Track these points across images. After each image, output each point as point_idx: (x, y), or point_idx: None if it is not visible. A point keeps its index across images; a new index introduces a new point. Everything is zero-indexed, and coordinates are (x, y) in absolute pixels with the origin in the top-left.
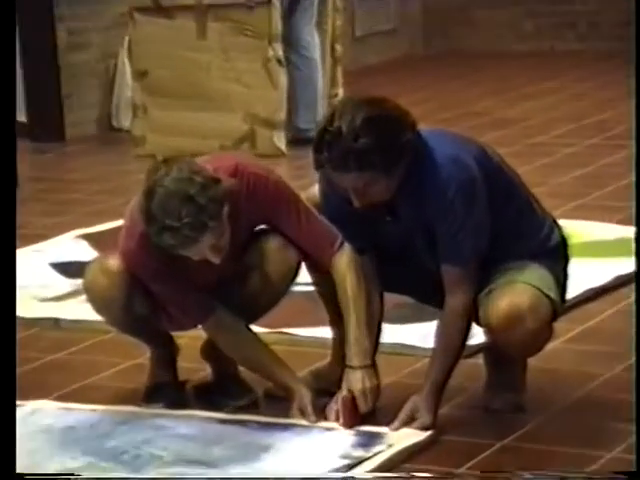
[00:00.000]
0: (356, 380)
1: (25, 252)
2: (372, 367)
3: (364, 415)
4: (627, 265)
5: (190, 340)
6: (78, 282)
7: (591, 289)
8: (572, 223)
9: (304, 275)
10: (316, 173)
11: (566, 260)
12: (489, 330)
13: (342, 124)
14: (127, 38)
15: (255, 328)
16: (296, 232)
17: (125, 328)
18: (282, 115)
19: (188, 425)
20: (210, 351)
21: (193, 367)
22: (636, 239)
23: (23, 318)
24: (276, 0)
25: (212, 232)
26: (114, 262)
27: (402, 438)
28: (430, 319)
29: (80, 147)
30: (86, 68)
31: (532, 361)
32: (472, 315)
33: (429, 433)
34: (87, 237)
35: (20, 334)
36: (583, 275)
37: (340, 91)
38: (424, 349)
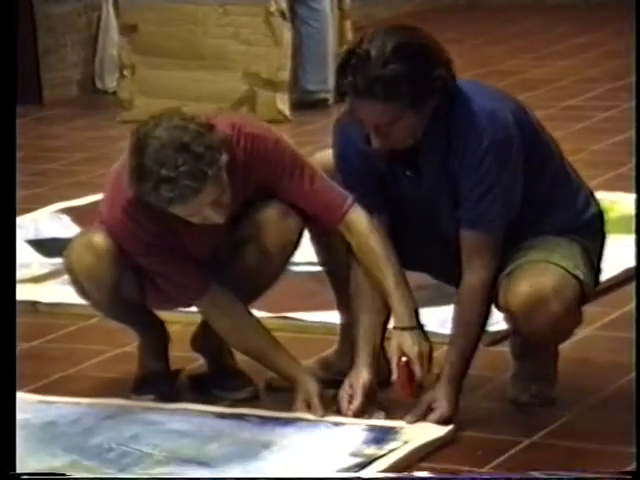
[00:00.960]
0: (410, 342)
1: None
2: (422, 328)
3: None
4: None
5: (183, 327)
6: (59, 261)
7: (630, 269)
8: (610, 195)
9: (309, 254)
10: (325, 138)
11: (603, 237)
12: (509, 315)
13: (371, 48)
14: None
15: (255, 312)
16: (300, 193)
17: (112, 312)
18: (286, 75)
19: (181, 420)
20: (202, 341)
21: (187, 356)
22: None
23: None
24: None
25: (212, 183)
26: (101, 237)
27: (419, 434)
28: (450, 302)
29: (59, 111)
30: (66, 22)
31: (563, 349)
32: (492, 294)
33: (449, 428)
34: (68, 211)
35: None
36: (621, 253)
37: None
38: (443, 335)
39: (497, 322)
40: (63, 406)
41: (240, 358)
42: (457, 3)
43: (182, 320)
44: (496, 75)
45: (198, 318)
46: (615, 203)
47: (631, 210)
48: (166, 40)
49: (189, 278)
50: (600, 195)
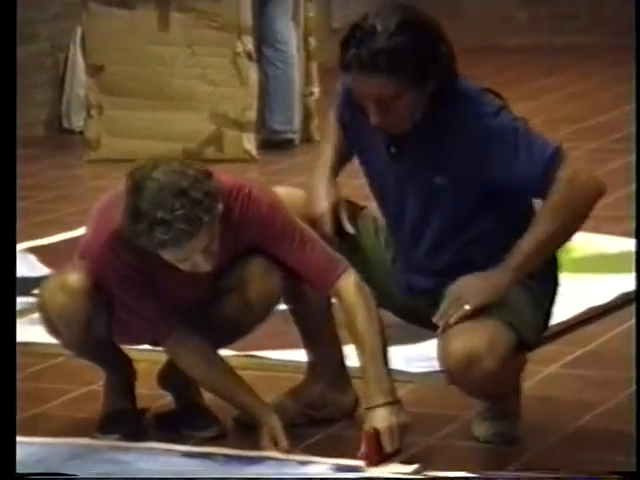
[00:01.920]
0: (381, 417)
1: None
2: (398, 403)
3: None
4: (632, 281)
5: (149, 365)
6: (25, 300)
7: (592, 308)
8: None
9: None
10: (290, 178)
11: (556, 280)
12: (447, 374)
13: (376, 22)
14: (79, 29)
15: (222, 351)
16: (291, 257)
17: (82, 351)
18: (253, 115)
19: (148, 459)
20: (168, 379)
21: (153, 394)
22: (636, 252)
23: None
24: None
25: (207, 229)
26: (75, 277)
27: (383, 472)
28: (415, 341)
29: (27, 150)
30: (33, 62)
31: (527, 387)
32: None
33: (414, 467)
34: (35, 250)
35: None
36: (584, 293)
37: (316, 90)
38: (408, 373)
39: None
40: (28, 446)
41: (207, 395)
42: None
43: (149, 358)
44: None
45: (164, 356)
46: (577, 243)
47: (593, 250)
48: (133, 80)
49: (161, 316)
50: None
